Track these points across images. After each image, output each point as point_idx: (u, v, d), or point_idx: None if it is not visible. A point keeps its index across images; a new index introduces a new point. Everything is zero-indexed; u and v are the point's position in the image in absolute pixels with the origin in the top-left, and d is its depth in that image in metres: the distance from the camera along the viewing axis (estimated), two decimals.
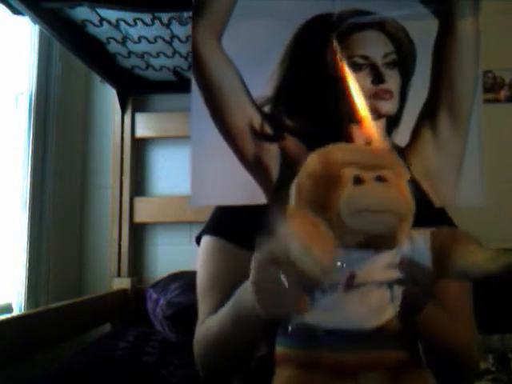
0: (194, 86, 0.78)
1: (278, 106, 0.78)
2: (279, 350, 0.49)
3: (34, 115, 1.43)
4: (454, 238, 0.47)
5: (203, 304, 0.79)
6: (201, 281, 0.81)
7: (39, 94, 1.46)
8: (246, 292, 0.58)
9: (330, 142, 0.80)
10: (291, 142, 0.77)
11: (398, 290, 0.48)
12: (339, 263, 0.46)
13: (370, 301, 0.47)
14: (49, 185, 1.49)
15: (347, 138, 0.77)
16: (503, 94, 1.67)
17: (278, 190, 0.76)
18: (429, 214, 0.75)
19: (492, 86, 1.67)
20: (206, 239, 0.83)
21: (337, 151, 0.50)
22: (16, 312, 1.34)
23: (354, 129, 0.78)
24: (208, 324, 0.73)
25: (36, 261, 1.43)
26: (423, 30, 0.79)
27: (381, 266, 0.47)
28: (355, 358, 0.45)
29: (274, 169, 0.77)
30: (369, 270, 0.47)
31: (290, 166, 0.76)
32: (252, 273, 0.51)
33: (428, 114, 0.79)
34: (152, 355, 1.10)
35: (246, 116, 0.77)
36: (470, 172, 0.78)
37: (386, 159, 0.50)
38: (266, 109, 0.78)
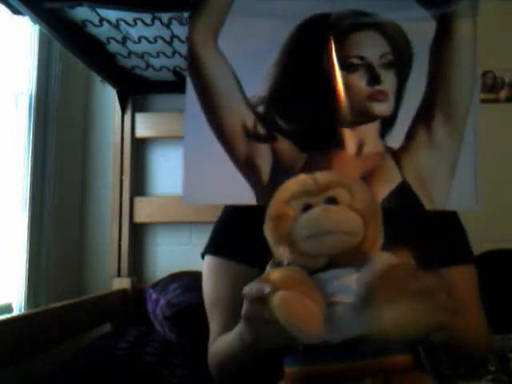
0: (189, 85, 0.78)
1: (271, 107, 0.78)
2: (285, 369, 0.51)
3: (34, 115, 1.43)
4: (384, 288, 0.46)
5: (212, 322, 0.80)
6: (207, 300, 0.82)
7: (39, 94, 1.46)
8: None
9: (321, 145, 0.80)
10: (283, 144, 0.78)
11: None
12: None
13: (351, 314, 0.47)
14: (49, 185, 1.48)
15: (338, 141, 0.78)
16: (503, 93, 1.67)
17: (268, 191, 0.76)
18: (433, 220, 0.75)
19: (492, 86, 1.67)
20: (207, 259, 0.83)
21: (284, 189, 0.54)
22: (16, 312, 1.34)
23: (346, 132, 0.78)
24: (220, 344, 0.74)
25: (36, 261, 1.43)
26: (420, 31, 0.78)
27: (348, 286, 0.48)
28: (340, 369, 0.46)
29: (266, 169, 0.77)
30: (338, 289, 0.48)
31: (281, 167, 0.77)
32: (243, 310, 0.53)
33: (423, 116, 0.78)
34: (152, 355, 1.09)
35: (239, 116, 0.77)
36: (463, 175, 0.77)
37: (338, 178, 0.53)
38: (260, 109, 0.78)
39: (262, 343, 0.53)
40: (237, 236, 0.78)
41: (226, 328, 0.73)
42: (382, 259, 0.48)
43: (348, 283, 0.48)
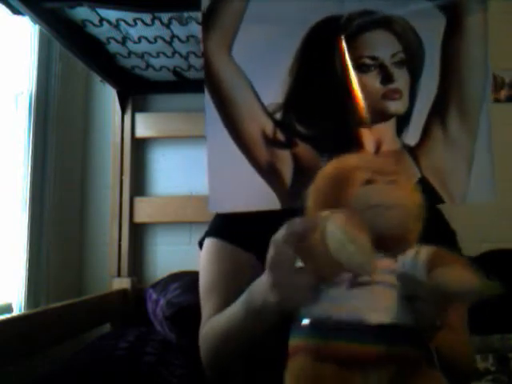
0: (208, 98, 0.79)
1: (289, 113, 0.79)
2: (293, 341, 0.49)
3: (34, 115, 1.43)
4: (443, 257, 0.46)
5: (206, 305, 0.79)
6: (203, 283, 0.81)
7: (39, 93, 1.46)
8: (258, 286, 0.58)
9: (340, 147, 0.81)
10: (303, 148, 0.78)
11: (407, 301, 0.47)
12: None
13: (377, 299, 0.47)
14: (49, 185, 1.48)
15: (357, 142, 0.78)
16: (503, 93, 1.68)
17: (291, 196, 0.76)
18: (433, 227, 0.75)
19: (492, 86, 1.67)
20: (207, 242, 0.83)
21: (351, 158, 0.53)
22: (16, 312, 1.34)
23: (364, 132, 0.78)
24: (215, 321, 0.73)
25: (36, 261, 1.43)
26: (431, 28, 0.79)
27: (383, 269, 0.48)
28: (366, 352, 0.45)
29: (287, 175, 0.78)
30: (375, 270, 0.47)
31: (302, 172, 0.77)
32: (269, 257, 0.51)
33: (438, 112, 0.78)
34: (152, 355, 1.09)
35: (258, 124, 0.78)
36: (480, 168, 0.78)
37: (398, 167, 0.53)
38: (278, 115, 0.79)
39: (284, 296, 0.51)
40: (241, 222, 0.78)
41: (221, 311, 0.72)
42: (424, 247, 0.48)
43: (390, 267, 0.48)
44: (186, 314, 1.20)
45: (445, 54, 0.78)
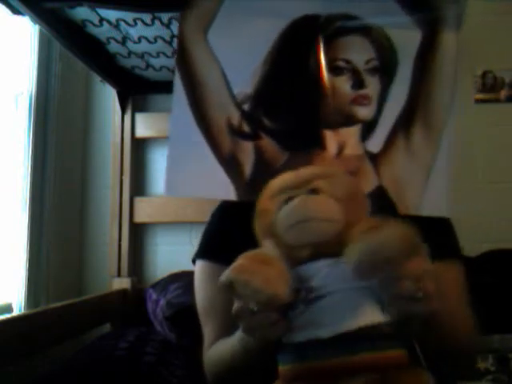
0: (177, 79, 0.79)
1: (257, 105, 0.79)
2: (279, 367, 0.50)
3: (34, 115, 1.43)
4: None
5: (206, 328, 0.78)
6: (200, 306, 0.80)
7: (39, 93, 1.46)
8: None
9: (303, 145, 0.81)
10: (266, 142, 0.78)
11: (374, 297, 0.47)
12: (296, 278, 0.48)
13: (343, 306, 0.47)
14: (49, 185, 1.49)
15: (320, 142, 0.78)
16: (503, 93, 1.68)
17: (249, 188, 0.77)
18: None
19: (492, 86, 1.67)
20: (198, 263, 0.82)
21: (269, 186, 0.55)
22: (16, 312, 1.34)
23: (328, 134, 0.78)
24: (217, 352, 0.72)
25: (36, 261, 1.43)
26: (407, 39, 0.80)
27: (336, 275, 0.47)
28: (340, 363, 0.45)
29: (247, 167, 0.78)
30: (325, 280, 0.47)
31: (263, 166, 0.78)
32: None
33: (403, 123, 0.79)
34: (152, 355, 1.10)
35: (225, 112, 0.78)
36: (436, 182, 0.78)
37: (319, 171, 0.53)
38: (246, 106, 0.78)
39: (255, 335, 0.52)
40: (229, 240, 0.75)
41: (221, 335, 0.72)
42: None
43: (335, 273, 0.47)
44: (186, 315, 1.20)
45: (417, 67, 0.79)
